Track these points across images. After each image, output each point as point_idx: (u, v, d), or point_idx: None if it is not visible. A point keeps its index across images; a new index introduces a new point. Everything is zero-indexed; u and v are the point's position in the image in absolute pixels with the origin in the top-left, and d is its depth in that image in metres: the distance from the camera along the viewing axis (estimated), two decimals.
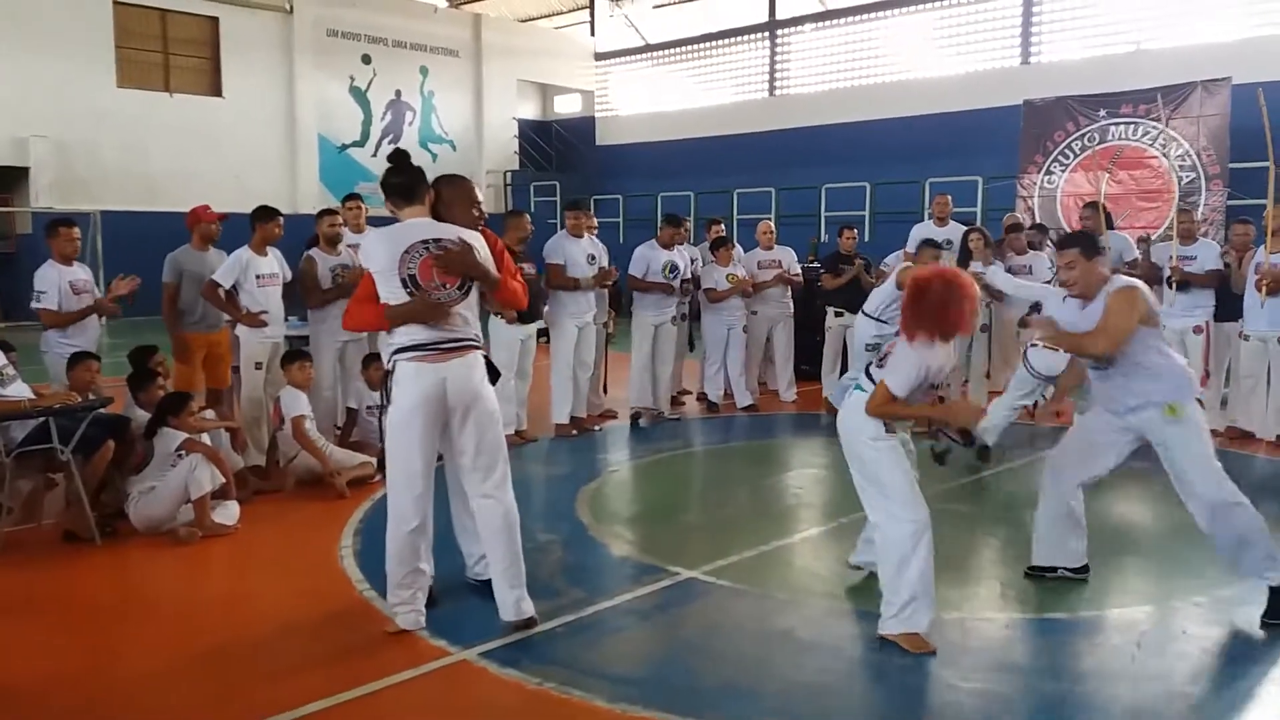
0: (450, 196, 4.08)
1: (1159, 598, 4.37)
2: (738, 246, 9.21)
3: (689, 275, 8.44)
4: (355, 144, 21.43)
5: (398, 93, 22.00)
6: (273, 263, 6.36)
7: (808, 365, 9.41)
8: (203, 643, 3.83)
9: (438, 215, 3.96)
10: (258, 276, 6.21)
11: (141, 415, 5.47)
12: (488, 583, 3.96)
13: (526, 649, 3.71)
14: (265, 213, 6.35)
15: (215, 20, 19.45)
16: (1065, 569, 4.40)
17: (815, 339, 9.17)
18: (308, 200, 18.91)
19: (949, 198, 9.38)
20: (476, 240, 3.82)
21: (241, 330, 6.27)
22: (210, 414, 5.78)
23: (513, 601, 3.80)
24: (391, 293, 3.67)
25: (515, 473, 6.41)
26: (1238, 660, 3.72)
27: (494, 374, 3.82)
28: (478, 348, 3.79)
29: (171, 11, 18.99)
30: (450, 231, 3.79)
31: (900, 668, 3.61)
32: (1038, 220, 11.88)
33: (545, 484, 6.40)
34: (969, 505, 5.92)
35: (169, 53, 19.18)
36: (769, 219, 10.76)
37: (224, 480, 5.19)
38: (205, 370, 6.21)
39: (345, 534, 5.12)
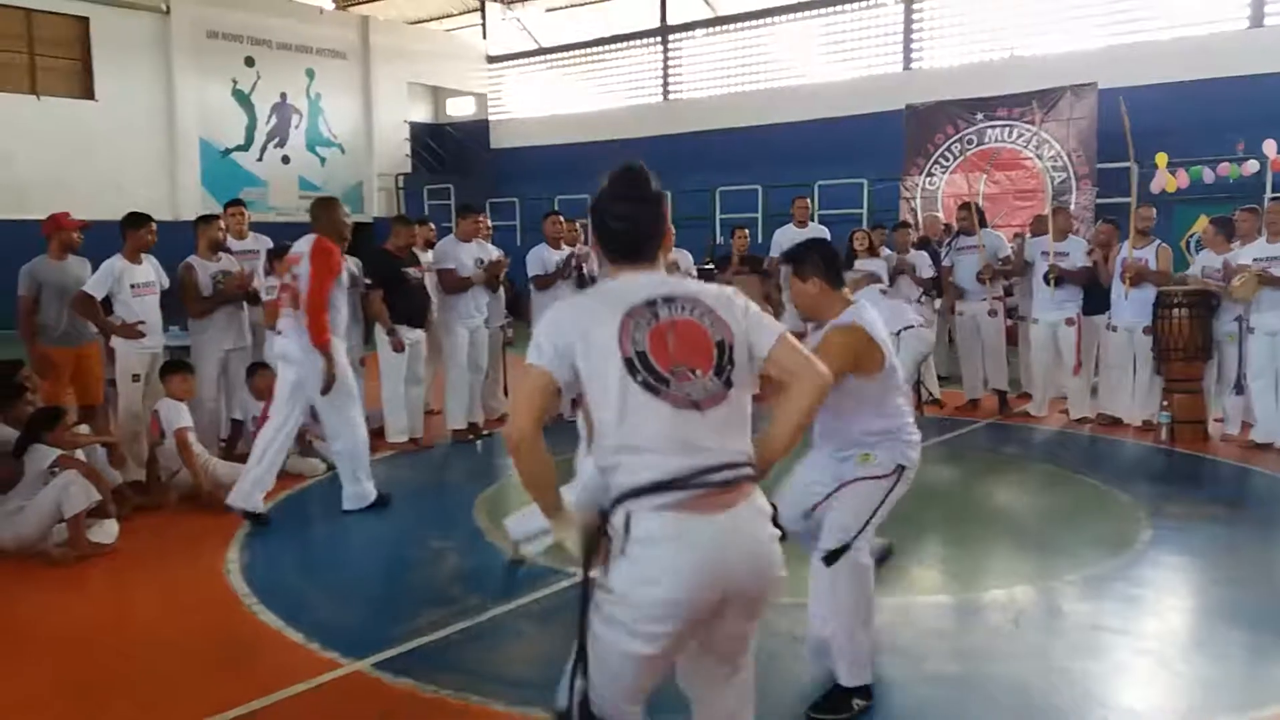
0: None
1: (1035, 577, 4.57)
2: None
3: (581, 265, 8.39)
4: (239, 148, 20.74)
5: (283, 96, 21.39)
6: (148, 271, 6.14)
7: None
8: (80, 668, 3.66)
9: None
10: (133, 286, 5.99)
11: (7, 433, 5.19)
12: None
13: (421, 657, 3.66)
14: (136, 219, 6.11)
15: (85, 20, 18.56)
16: None
17: None
18: (189, 206, 18.18)
19: (808, 201, 9.58)
20: (738, 298, 2.28)
21: (117, 342, 6.02)
22: (85, 429, 5.53)
23: None
24: (600, 388, 2.13)
25: (410, 482, 6.43)
26: (1110, 634, 3.90)
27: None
28: (754, 479, 2.20)
29: (37, 11, 18.06)
30: (684, 286, 2.26)
31: (796, 654, 3.68)
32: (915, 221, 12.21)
33: (441, 490, 6.33)
34: None
35: (35, 53, 18.21)
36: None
37: (100, 497, 4.97)
38: (74, 386, 5.91)
39: (231, 547, 4.96)
